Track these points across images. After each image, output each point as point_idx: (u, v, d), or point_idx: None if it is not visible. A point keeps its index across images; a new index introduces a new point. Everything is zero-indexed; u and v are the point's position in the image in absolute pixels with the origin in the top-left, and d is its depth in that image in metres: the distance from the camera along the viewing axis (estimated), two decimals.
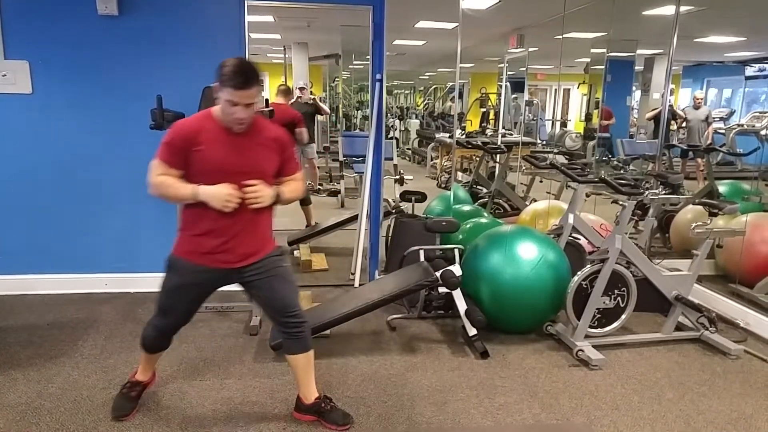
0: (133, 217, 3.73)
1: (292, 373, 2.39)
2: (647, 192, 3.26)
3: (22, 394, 2.53)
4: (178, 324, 2.32)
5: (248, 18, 3.56)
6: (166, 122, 3.14)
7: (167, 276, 2.23)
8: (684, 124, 7.18)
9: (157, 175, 2.07)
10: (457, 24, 4.51)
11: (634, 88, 8.03)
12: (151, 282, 3.65)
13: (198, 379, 2.71)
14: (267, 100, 4.88)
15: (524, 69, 8.02)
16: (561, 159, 5.48)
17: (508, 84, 8.81)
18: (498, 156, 5.85)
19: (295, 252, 4.71)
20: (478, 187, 5.84)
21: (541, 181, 6.12)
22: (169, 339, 2.38)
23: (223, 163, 2.06)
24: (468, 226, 4.05)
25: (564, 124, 11.63)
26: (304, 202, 5.20)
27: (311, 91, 7.72)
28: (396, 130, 13.13)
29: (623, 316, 3.15)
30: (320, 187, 7.59)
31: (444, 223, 3.54)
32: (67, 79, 3.52)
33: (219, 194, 2.02)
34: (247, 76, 1.96)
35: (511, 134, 8.47)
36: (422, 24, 6.85)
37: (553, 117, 12.27)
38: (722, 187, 5.11)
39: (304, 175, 2.19)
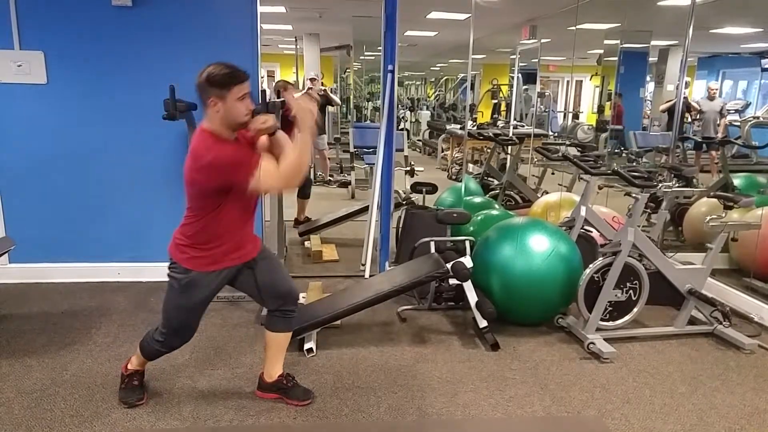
0: (146, 207, 3.76)
1: (265, 351, 2.46)
2: (660, 184, 3.23)
3: (37, 380, 2.57)
4: (187, 340, 2.36)
5: (260, 9, 3.55)
6: (179, 112, 3.15)
7: (186, 295, 2.19)
8: (698, 116, 7.08)
9: (273, 168, 2.02)
10: (469, 15, 4.47)
11: (647, 79, 7.93)
12: (163, 271, 3.66)
13: (209, 369, 2.73)
14: (279, 92, 4.87)
15: (536, 60, 7.94)
16: (573, 151, 5.44)
17: (520, 75, 8.73)
18: (509, 148, 5.82)
19: (306, 243, 4.73)
20: (490, 178, 5.82)
21: (552, 173, 6.07)
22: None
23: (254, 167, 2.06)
24: (479, 217, 4.04)
25: (576, 116, 11.52)
26: (303, 195, 5.16)
27: (322, 83, 7.70)
28: (407, 121, 13.07)
29: (635, 309, 3.13)
30: (331, 178, 7.59)
31: (455, 215, 3.53)
32: (81, 69, 3.54)
33: (306, 116, 2.01)
34: (240, 69, 2.02)
35: (523, 126, 8.41)
36: (434, 15, 6.80)
37: (565, 109, 12.16)
38: (737, 180, 5.05)
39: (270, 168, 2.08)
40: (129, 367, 2.47)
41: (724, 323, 3.14)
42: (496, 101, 10.02)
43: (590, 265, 3.06)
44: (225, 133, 2.05)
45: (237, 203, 2.10)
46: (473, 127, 8.20)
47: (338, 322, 3.12)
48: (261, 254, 2.30)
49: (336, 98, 7.71)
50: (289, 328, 2.44)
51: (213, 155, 1.97)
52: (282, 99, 3.53)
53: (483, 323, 3.05)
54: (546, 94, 10.33)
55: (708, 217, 3.15)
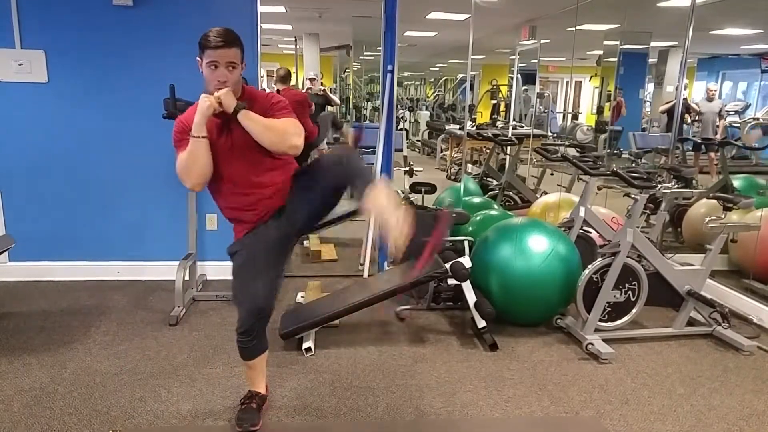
0: (145, 206, 3.77)
1: None
2: (660, 185, 3.23)
3: (36, 378, 2.57)
4: (252, 310, 2.09)
5: (260, 8, 3.55)
6: (179, 111, 3.15)
7: (235, 260, 2.16)
8: (698, 118, 7.08)
9: (177, 166, 2.07)
10: (469, 15, 4.47)
11: (647, 80, 7.93)
12: (162, 270, 3.73)
13: (208, 367, 2.73)
14: (285, 77, 4.77)
15: (536, 61, 7.95)
16: (572, 151, 5.44)
17: (519, 76, 8.74)
18: (509, 148, 5.82)
19: (305, 242, 4.73)
20: (489, 179, 5.82)
21: (552, 174, 6.07)
22: (258, 338, 2.19)
23: (221, 144, 2.07)
24: (478, 218, 4.04)
25: (575, 117, 11.52)
26: (338, 127, 5.10)
27: (321, 82, 7.69)
28: (406, 121, 13.07)
29: (634, 310, 3.14)
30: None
31: (454, 215, 3.53)
32: (81, 68, 3.54)
33: (200, 106, 1.99)
34: (225, 36, 1.96)
35: (522, 126, 8.41)
36: (434, 15, 6.80)
37: (564, 109, 12.16)
38: (737, 182, 5.05)
39: (295, 128, 2.05)
40: (250, 388, 2.33)
41: (723, 324, 3.14)
42: (495, 102, 10.02)
43: (589, 266, 3.06)
44: (209, 90, 2.02)
45: (224, 175, 2.10)
46: (472, 127, 8.20)
47: (337, 321, 3.12)
48: (290, 190, 2.16)
49: (335, 98, 7.70)
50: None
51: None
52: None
53: (481, 323, 3.06)
54: (545, 94, 10.33)
55: (707, 219, 3.16)
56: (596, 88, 9.19)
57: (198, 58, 2.01)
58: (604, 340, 3.01)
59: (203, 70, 2.01)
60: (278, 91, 4.77)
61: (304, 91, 6.34)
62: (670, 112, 6.22)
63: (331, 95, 7.27)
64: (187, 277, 3.42)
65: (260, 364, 2.31)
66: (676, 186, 3.44)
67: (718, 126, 6.80)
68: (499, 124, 9.08)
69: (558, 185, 5.45)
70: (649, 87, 8.04)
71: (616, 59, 6.69)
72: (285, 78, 5.17)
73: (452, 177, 7.69)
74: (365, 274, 3.90)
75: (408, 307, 3.45)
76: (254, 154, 2.07)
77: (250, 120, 2.00)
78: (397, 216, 1.75)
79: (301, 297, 3.58)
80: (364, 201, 1.84)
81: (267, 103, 2.11)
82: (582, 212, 3.49)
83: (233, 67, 2.00)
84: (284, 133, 2.04)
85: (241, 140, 2.04)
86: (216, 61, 1.96)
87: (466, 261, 3.14)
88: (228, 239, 2.25)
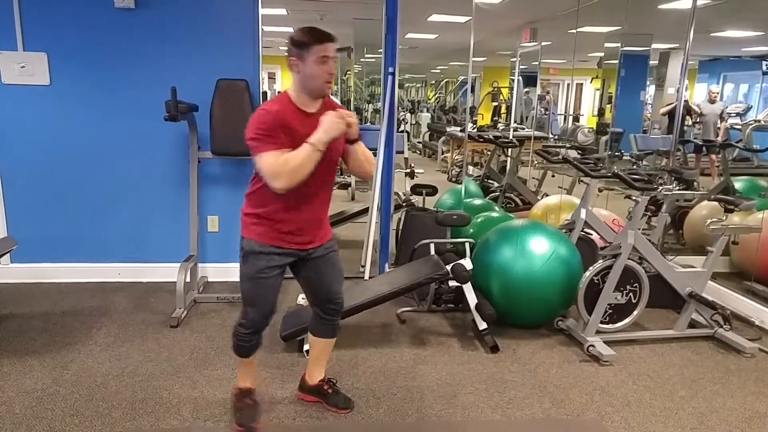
0: (146, 208, 3.77)
1: (308, 353, 2.42)
2: (661, 187, 3.23)
3: (37, 380, 2.57)
4: (266, 313, 2.15)
5: (262, 11, 3.56)
6: (180, 113, 3.16)
7: (247, 265, 2.10)
8: (699, 120, 7.08)
9: (275, 162, 1.90)
10: (470, 17, 4.48)
11: (648, 82, 7.93)
12: (163, 272, 3.74)
13: (209, 369, 2.73)
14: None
15: (537, 63, 7.95)
16: (573, 153, 5.44)
17: (521, 78, 8.75)
18: (510, 150, 5.82)
19: None
20: (490, 181, 5.82)
21: (553, 176, 6.07)
22: (260, 335, 2.22)
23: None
24: (479, 219, 4.04)
25: (576, 119, 11.52)
26: None
27: None
28: (407, 123, 13.08)
29: (635, 312, 3.13)
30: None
31: (455, 217, 3.53)
32: (84, 70, 3.55)
33: (331, 123, 1.96)
34: (325, 31, 1.96)
35: (523, 128, 8.41)
36: (435, 17, 6.81)
37: (565, 111, 12.16)
38: (738, 184, 5.05)
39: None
40: (239, 385, 2.35)
41: (724, 326, 3.14)
42: (496, 104, 10.02)
43: (590, 268, 3.06)
44: (301, 98, 2.00)
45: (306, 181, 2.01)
46: (473, 129, 8.21)
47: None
48: (326, 249, 2.19)
49: (336, 101, 7.71)
50: (333, 334, 2.36)
51: (256, 112, 1.97)
52: None
53: (483, 325, 3.06)
54: (546, 96, 10.33)
55: (709, 220, 3.15)
56: (597, 90, 9.19)
57: (293, 58, 1.96)
58: (606, 342, 3.00)
59: (305, 68, 1.95)
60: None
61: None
62: (671, 114, 6.23)
63: (333, 98, 7.28)
64: (188, 279, 3.43)
65: (254, 360, 2.35)
66: (678, 188, 3.44)
67: (719, 128, 6.80)
68: (500, 126, 9.08)
69: (559, 187, 5.45)
70: (650, 89, 8.03)
71: (617, 61, 6.70)
72: None
73: (453, 179, 7.70)
74: (366, 276, 3.89)
75: (409, 308, 3.45)
76: (329, 173, 2.14)
77: (362, 150, 2.17)
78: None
79: (302, 299, 3.58)
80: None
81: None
82: (583, 214, 3.49)
83: (335, 59, 2.02)
84: (373, 165, 2.28)
85: (326, 157, 2.01)
86: (328, 54, 1.96)
87: (467, 263, 3.14)
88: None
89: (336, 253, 2.26)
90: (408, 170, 5.38)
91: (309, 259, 2.18)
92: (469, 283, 3.12)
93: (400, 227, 4.24)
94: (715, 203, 4.12)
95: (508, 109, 9.54)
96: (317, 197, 2.13)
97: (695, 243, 4.39)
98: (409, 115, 13.54)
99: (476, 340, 3.14)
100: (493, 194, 5.47)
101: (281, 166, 1.89)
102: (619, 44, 6.60)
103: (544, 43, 7.17)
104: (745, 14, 6.18)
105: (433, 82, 15.22)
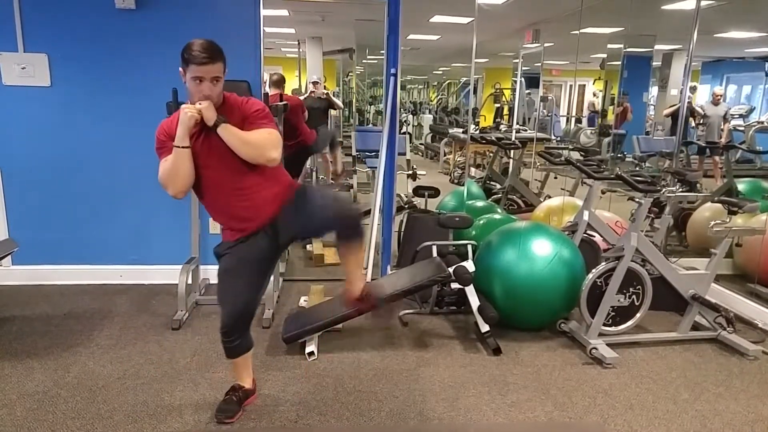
0: (148, 210, 3.77)
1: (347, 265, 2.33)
2: (664, 189, 3.21)
3: (39, 382, 2.57)
4: (231, 313, 2.20)
5: (263, 12, 3.56)
6: None
7: (222, 262, 2.25)
8: (702, 121, 7.06)
9: (161, 172, 2.11)
10: (472, 19, 4.47)
11: (651, 84, 7.92)
12: (165, 274, 3.74)
13: (211, 371, 2.73)
14: (281, 95, 4.87)
15: (539, 64, 7.94)
16: (576, 155, 5.43)
17: (523, 79, 8.74)
18: (512, 152, 5.81)
19: (308, 246, 4.72)
20: (492, 182, 5.80)
21: (555, 178, 6.06)
22: (242, 337, 2.28)
23: (203, 151, 2.09)
24: (481, 222, 4.03)
25: (579, 121, 11.51)
26: (332, 148, 5.40)
27: (324, 86, 7.71)
28: (409, 125, 13.07)
29: (638, 315, 3.12)
30: (333, 181, 7.58)
31: (457, 219, 3.53)
32: (84, 72, 3.55)
33: (182, 116, 2.02)
34: (210, 51, 1.98)
35: (525, 130, 8.40)
36: (437, 18, 6.80)
37: (567, 113, 12.14)
38: (742, 185, 5.03)
39: (272, 141, 2.09)
40: (236, 382, 2.42)
41: (727, 329, 3.13)
42: (498, 105, 10.01)
43: (593, 270, 3.04)
44: (193, 102, 2.05)
45: (204, 179, 2.13)
46: (476, 131, 8.20)
47: (340, 325, 3.11)
48: (285, 211, 2.18)
49: (338, 102, 7.72)
50: (360, 234, 2.25)
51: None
52: (285, 102, 3.53)
53: (485, 328, 3.04)
54: (549, 98, 10.32)
55: (712, 222, 3.14)
56: (600, 91, 9.18)
57: (181, 69, 2.02)
58: (608, 345, 2.99)
59: (187, 83, 2.03)
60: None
61: (306, 94, 6.37)
62: (674, 115, 6.21)
63: (335, 99, 7.28)
64: (190, 281, 3.42)
65: (244, 361, 2.40)
66: (681, 190, 3.43)
67: (722, 129, 6.78)
68: (503, 127, 9.07)
69: (561, 189, 5.43)
70: (653, 90, 8.02)
71: (620, 62, 6.68)
72: (278, 83, 5.24)
73: (455, 180, 7.69)
74: (368, 279, 3.89)
75: (411, 311, 3.44)
76: (234, 161, 2.09)
77: (229, 134, 2.04)
78: (360, 274, 2.36)
79: (304, 301, 3.58)
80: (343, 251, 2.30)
81: (247, 112, 2.12)
82: (586, 216, 3.48)
83: (217, 81, 2.02)
84: (261, 147, 2.07)
85: (222, 148, 2.06)
86: (201, 76, 1.98)
87: (469, 265, 3.13)
88: None
89: (294, 200, 2.20)
90: (410, 172, 5.38)
91: (278, 229, 2.19)
92: (471, 286, 3.11)
93: (402, 229, 4.24)
94: (719, 205, 4.10)
95: (511, 110, 9.53)
96: (242, 189, 2.13)
97: (698, 245, 4.38)
98: (411, 116, 13.53)
99: (478, 343, 3.12)
100: (495, 196, 5.45)
101: (161, 175, 2.09)
102: (622, 45, 6.59)
103: (546, 45, 7.16)
104: (748, 15, 6.17)
105: (436, 83, 15.21)
